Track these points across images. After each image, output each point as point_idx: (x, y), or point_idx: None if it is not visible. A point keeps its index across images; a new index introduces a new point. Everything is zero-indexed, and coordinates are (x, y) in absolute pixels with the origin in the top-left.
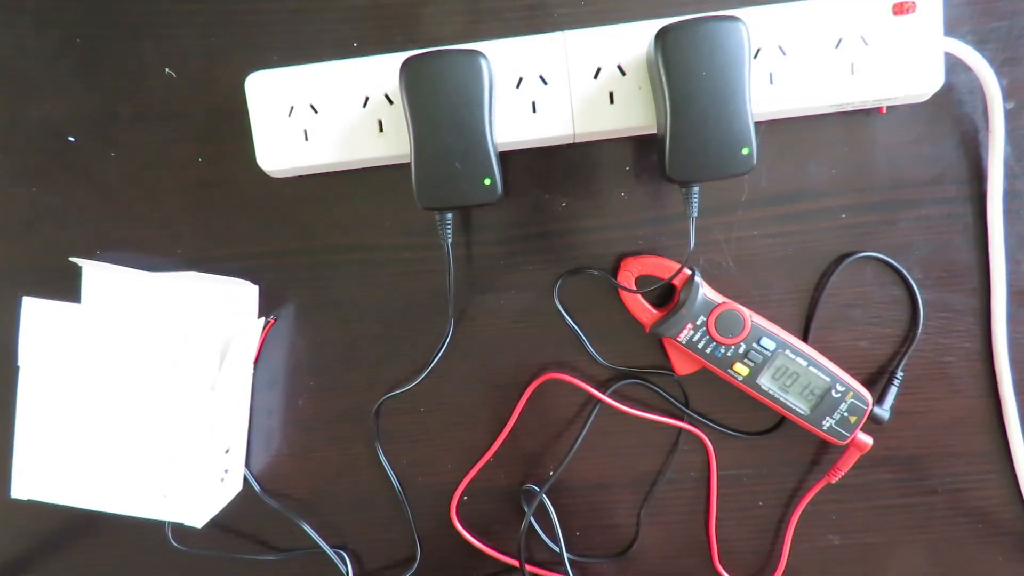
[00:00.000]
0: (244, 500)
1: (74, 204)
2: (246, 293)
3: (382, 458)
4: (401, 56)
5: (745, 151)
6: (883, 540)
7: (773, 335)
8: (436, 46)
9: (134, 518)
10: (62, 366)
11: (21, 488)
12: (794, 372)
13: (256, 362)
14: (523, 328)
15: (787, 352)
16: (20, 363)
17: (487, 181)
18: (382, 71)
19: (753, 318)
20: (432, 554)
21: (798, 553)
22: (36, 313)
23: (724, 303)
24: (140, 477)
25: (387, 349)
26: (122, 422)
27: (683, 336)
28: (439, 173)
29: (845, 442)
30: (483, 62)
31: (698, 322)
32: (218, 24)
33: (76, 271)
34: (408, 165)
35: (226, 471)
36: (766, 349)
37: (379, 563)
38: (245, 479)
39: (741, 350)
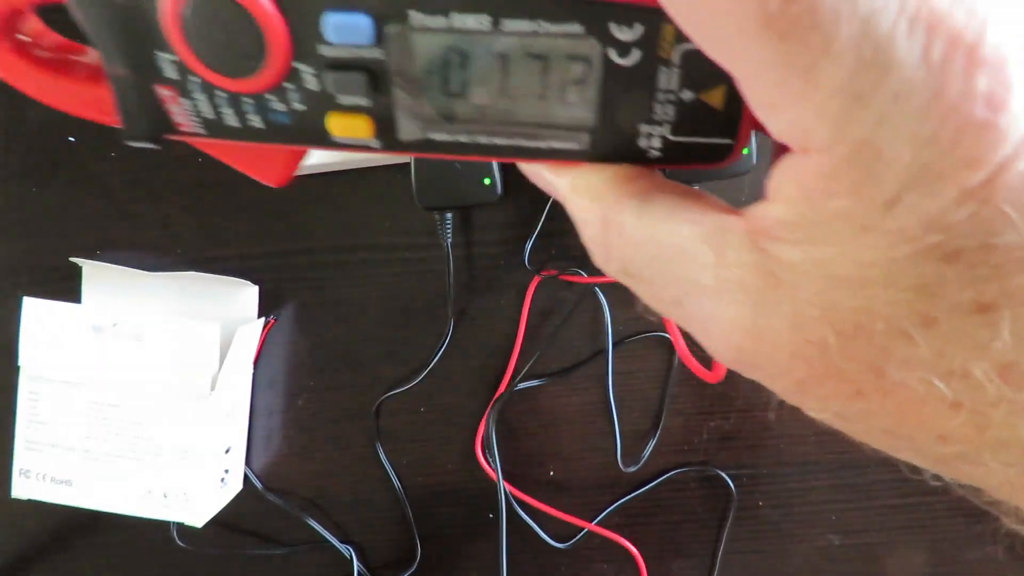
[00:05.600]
0: (245, 499)
1: (74, 204)
2: (246, 293)
3: (382, 458)
4: None
5: (745, 151)
6: (883, 540)
7: None
8: None
9: (135, 517)
10: (62, 366)
11: (21, 488)
12: (493, 55)
13: (256, 362)
14: None
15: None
16: (20, 363)
17: (487, 181)
18: None
19: None
20: (432, 553)
21: (798, 553)
22: (36, 313)
23: None
24: (140, 477)
25: (387, 349)
26: (122, 422)
27: (179, 114)
28: (439, 173)
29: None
30: None
31: (165, 65)
32: None
33: (76, 271)
34: (408, 165)
35: (226, 471)
36: (357, 33)
37: (379, 562)
38: (246, 477)
39: (311, 80)
